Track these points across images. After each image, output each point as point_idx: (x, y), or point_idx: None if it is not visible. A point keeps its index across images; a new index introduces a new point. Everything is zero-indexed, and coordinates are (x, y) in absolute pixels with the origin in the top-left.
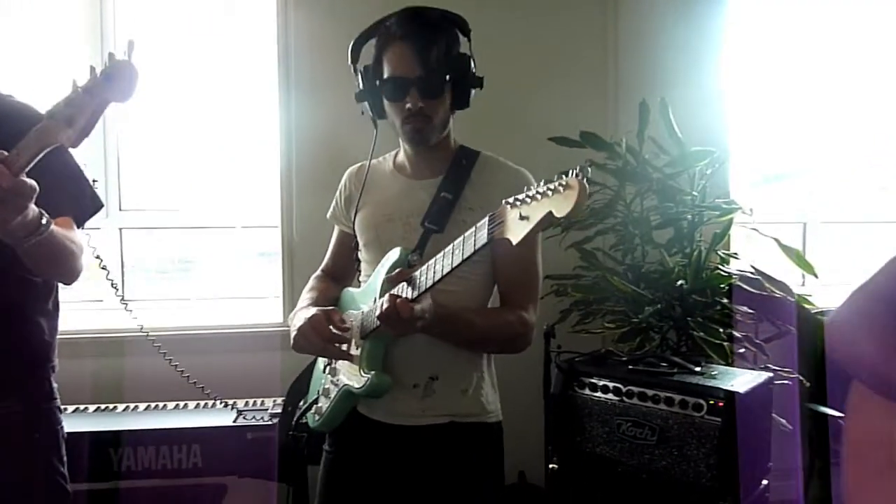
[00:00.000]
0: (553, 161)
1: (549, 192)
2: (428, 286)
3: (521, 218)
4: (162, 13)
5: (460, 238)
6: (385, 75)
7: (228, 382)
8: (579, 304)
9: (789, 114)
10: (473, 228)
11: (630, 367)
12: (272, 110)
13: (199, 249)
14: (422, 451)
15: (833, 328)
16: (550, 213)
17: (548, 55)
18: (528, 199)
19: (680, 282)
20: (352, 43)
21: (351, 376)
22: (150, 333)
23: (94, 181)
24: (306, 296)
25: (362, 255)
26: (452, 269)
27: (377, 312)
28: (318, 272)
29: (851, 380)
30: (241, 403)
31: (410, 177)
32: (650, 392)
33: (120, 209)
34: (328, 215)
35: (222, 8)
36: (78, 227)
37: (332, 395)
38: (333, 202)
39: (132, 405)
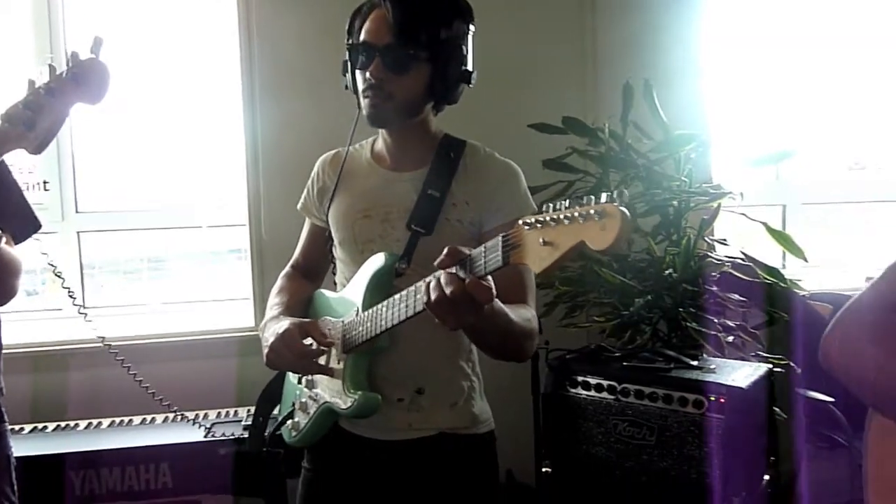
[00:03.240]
0: (532, 148)
1: (580, 219)
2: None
3: (545, 244)
4: (117, 4)
5: (481, 248)
6: (356, 41)
7: (199, 392)
8: (564, 296)
9: (768, 95)
10: (482, 248)
11: (624, 363)
12: (236, 103)
13: (164, 252)
14: (410, 466)
15: (832, 343)
16: (583, 242)
17: (525, 40)
18: (552, 222)
19: (669, 270)
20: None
21: (333, 393)
22: (112, 344)
23: (44, 182)
24: (275, 300)
25: (337, 252)
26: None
27: (427, 297)
28: (288, 269)
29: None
30: (212, 415)
31: (390, 168)
32: (647, 390)
33: (77, 211)
34: (299, 206)
35: None
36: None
37: (312, 411)
38: (305, 191)
39: (94, 422)
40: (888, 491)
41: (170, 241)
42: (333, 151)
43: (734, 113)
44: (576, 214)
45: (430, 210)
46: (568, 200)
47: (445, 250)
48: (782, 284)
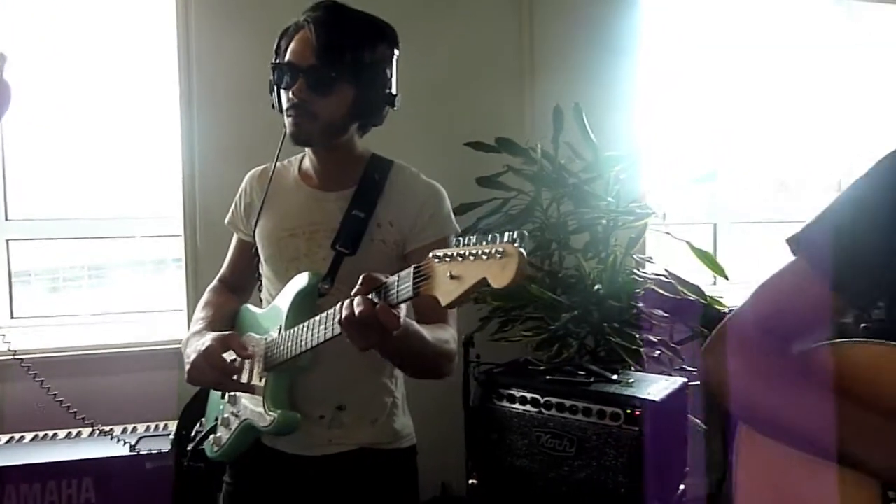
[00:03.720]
0: (476, 165)
1: (484, 256)
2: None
3: (452, 277)
4: (54, 13)
5: (390, 280)
6: (281, 60)
7: (128, 406)
8: (499, 311)
9: (700, 117)
10: (396, 277)
11: (547, 377)
12: (173, 111)
13: (101, 261)
14: (330, 481)
15: (706, 354)
16: (485, 279)
17: (465, 61)
18: (460, 258)
19: (597, 286)
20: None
21: (254, 410)
22: (34, 356)
23: None
24: (200, 314)
25: (263, 269)
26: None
27: (337, 317)
28: (215, 283)
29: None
30: (141, 429)
31: (317, 187)
32: (568, 403)
33: (6, 219)
34: (226, 221)
35: (119, 6)
36: None
37: (233, 427)
38: (232, 206)
39: (17, 436)
40: (754, 496)
41: (105, 251)
42: (261, 167)
43: (667, 134)
44: (481, 252)
45: (354, 230)
46: (476, 236)
47: (361, 278)
48: (702, 301)
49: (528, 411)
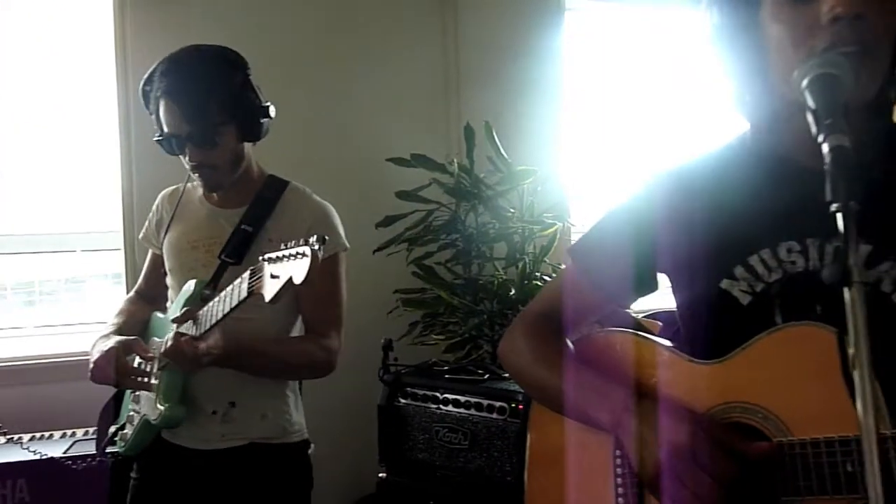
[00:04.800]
0: (401, 179)
1: (293, 257)
2: (208, 327)
3: (273, 276)
4: None
5: (231, 286)
6: (163, 131)
7: (78, 411)
8: (426, 317)
9: (615, 132)
10: (240, 279)
11: (447, 376)
12: (112, 123)
13: (37, 275)
14: (222, 474)
15: (503, 338)
16: (291, 278)
17: (392, 80)
18: (278, 259)
19: (512, 292)
20: (140, 90)
21: (150, 407)
22: None
23: None
24: (113, 321)
25: (168, 280)
26: (225, 316)
27: (162, 349)
28: (132, 293)
29: None
30: (80, 433)
31: (216, 205)
32: (463, 399)
33: None
34: (140, 236)
35: (56, 18)
36: None
37: (136, 423)
38: (146, 223)
39: None
40: (544, 463)
41: (42, 266)
42: (172, 188)
43: (584, 148)
44: (291, 253)
45: (241, 243)
46: (293, 241)
47: (181, 311)
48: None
49: (429, 408)
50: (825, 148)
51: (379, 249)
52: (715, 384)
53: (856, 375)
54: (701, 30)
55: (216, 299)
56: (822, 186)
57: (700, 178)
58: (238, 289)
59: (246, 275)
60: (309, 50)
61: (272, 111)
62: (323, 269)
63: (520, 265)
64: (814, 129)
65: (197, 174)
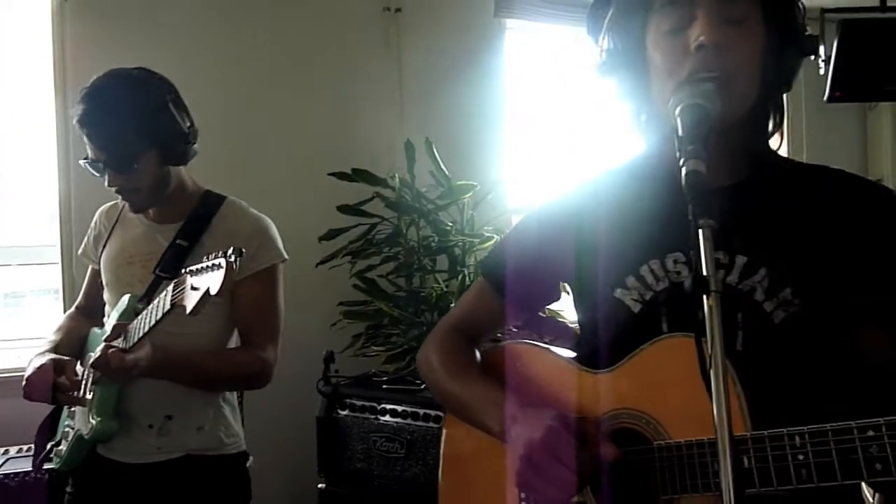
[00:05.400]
0: (346, 193)
1: (210, 268)
2: (136, 340)
3: (193, 288)
4: None
5: (157, 298)
6: (87, 155)
7: (5, 429)
8: (370, 328)
9: (555, 148)
10: (165, 292)
11: (384, 386)
12: (50, 137)
13: None
14: (158, 488)
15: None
16: (209, 289)
17: (335, 95)
18: (199, 271)
19: (451, 304)
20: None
21: (83, 421)
22: None
23: None
24: (50, 338)
25: (105, 294)
26: (152, 328)
27: (91, 361)
28: (72, 309)
29: None
30: (13, 450)
31: (153, 220)
32: (399, 408)
33: None
34: (79, 252)
35: None
36: None
37: (70, 439)
38: (85, 238)
39: None
40: (454, 468)
41: None
42: (111, 203)
43: (525, 162)
44: (209, 265)
45: (176, 258)
46: (214, 253)
47: (111, 327)
48: (541, 314)
49: (367, 418)
50: (683, 171)
51: (322, 262)
52: (605, 392)
53: (712, 377)
54: (598, 55)
55: (144, 313)
56: (713, 206)
57: (602, 192)
58: (163, 301)
59: (170, 287)
60: (252, 65)
61: (193, 135)
62: (260, 281)
63: (460, 277)
64: (677, 154)
65: (120, 195)
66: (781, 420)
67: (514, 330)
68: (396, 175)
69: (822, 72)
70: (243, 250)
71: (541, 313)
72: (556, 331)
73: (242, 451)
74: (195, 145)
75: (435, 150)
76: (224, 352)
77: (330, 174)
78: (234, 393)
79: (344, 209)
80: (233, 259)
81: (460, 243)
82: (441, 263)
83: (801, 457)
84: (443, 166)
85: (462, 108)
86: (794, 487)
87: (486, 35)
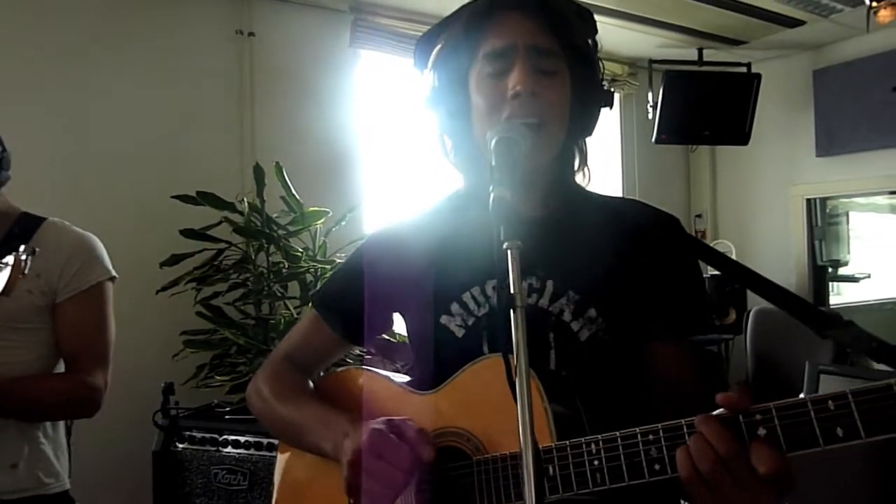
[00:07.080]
0: (191, 217)
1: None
2: None
3: None
4: None
5: None
6: None
7: None
8: (215, 358)
9: (411, 170)
10: None
11: (227, 416)
12: None
13: None
14: None
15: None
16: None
17: (182, 115)
18: None
19: None
20: None
21: None
22: None
23: None
24: None
25: None
26: None
27: None
28: None
29: None
30: None
31: None
32: (242, 439)
33: None
34: None
35: None
36: None
37: None
38: None
39: None
40: (290, 495)
41: None
42: None
43: (381, 189)
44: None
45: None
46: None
47: None
48: (392, 340)
49: (207, 450)
50: (491, 197)
51: (163, 289)
52: (429, 412)
53: (517, 386)
54: (423, 90)
55: None
56: (522, 231)
57: (425, 225)
58: None
59: None
60: (93, 81)
61: (7, 162)
62: (85, 300)
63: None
64: (488, 182)
65: None
66: (593, 431)
67: (368, 357)
68: (245, 199)
69: (650, 116)
70: (36, 249)
71: (391, 339)
72: (408, 357)
73: (65, 492)
74: (8, 171)
75: (286, 174)
76: (46, 377)
77: (173, 197)
78: (60, 428)
79: (188, 233)
80: (24, 258)
81: (312, 269)
82: (292, 290)
83: (595, 462)
84: (294, 192)
85: (315, 134)
86: (591, 490)
87: (341, 63)
